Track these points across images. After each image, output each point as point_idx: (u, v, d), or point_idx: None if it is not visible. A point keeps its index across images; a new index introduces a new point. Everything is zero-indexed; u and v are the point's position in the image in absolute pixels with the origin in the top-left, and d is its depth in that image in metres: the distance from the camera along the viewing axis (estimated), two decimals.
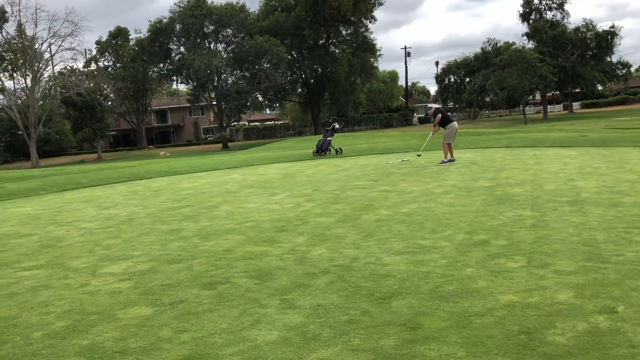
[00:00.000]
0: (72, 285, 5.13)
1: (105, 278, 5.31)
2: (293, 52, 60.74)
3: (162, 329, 3.94)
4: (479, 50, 69.21)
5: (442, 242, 5.93)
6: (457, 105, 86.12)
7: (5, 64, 51.56)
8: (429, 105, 15.50)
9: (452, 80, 77.54)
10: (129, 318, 4.19)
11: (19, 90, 52.77)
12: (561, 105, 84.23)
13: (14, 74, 53.02)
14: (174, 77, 62.02)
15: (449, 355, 3.25)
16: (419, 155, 15.36)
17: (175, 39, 58.79)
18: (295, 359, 3.34)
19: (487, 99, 76.56)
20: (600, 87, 72.05)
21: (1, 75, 51.29)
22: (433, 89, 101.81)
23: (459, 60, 73.87)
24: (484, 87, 61.48)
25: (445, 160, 13.59)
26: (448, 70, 76.04)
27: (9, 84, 52.32)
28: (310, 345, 3.51)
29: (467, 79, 72.57)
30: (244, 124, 79.97)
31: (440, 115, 13.90)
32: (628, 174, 9.89)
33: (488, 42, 67.75)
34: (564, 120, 54.64)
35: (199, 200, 10.24)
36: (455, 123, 14.05)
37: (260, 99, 62.36)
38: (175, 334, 3.82)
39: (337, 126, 20.25)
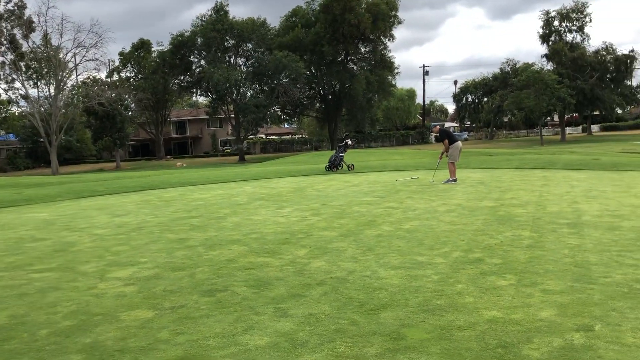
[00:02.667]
0: (80, 288, 5.39)
1: (112, 282, 5.57)
2: (312, 68, 61.42)
3: (161, 331, 4.17)
4: (497, 70, 69.42)
5: (437, 258, 6.10)
6: (474, 125, 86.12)
7: (30, 72, 52.80)
8: (433, 123, 15.84)
9: (470, 99, 77.74)
10: (131, 320, 4.43)
11: (42, 98, 54.03)
12: (580, 127, 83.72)
13: (38, 82, 54.27)
14: (194, 90, 63.03)
15: None
16: (416, 178, 15.63)
17: (196, 52, 59.85)
18: None
19: (505, 119, 76.50)
20: (619, 111, 71.57)
21: (25, 83, 52.48)
22: (451, 107, 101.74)
23: (477, 80, 74.17)
24: (501, 107, 61.51)
25: (450, 178, 13.78)
26: (466, 89, 76.36)
27: (32, 92, 53.55)
28: (297, 351, 3.71)
29: (485, 99, 72.70)
30: (261, 137, 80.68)
31: (447, 137, 14.11)
32: (632, 199, 9.98)
33: (507, 62, 68.00)
34: (581, 142, 54.33)
35: (209, 211, 10.52)
36: (459, 142, 14.27)
37: (278, 113, 63.06)
38: (173, 336, 4.05)
39: (349, 142, 20.51)
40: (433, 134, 14.68)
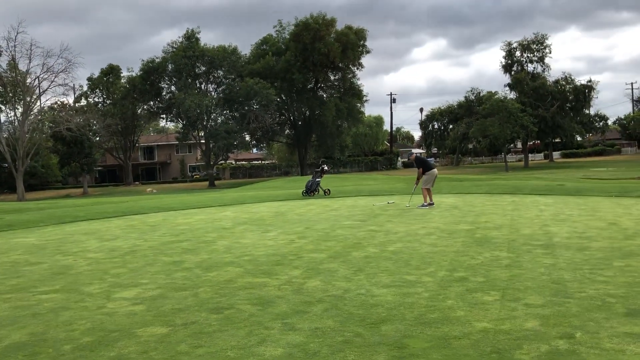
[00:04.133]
0: (90, 308, 5.62)
1: (120, 302, 5.81)
2: (282, 95, 62.20)
3: (179, 344, 4.46)
4: (462, 98, 71.43)
5: (425, 277, 6.53)
6: (440, 151, 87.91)
7: None
8: (412, 150, 16.40)
9: (436, 126, 79.55)
10: (148, 335, 4.70)
11: (7, 123, 53.21)
12: (542, 154, 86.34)
13: (3, 107, 53.47)
14: (163, 115, 62.99)
15: None
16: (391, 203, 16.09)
17: (166, 78, 60.01)
18: None
19: (470, 146, 78.43)
20: (579, 138, 74.31)
21: None
22: (417, 134, 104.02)
23: (442, 107, 76.04)
24: (466, 134, 63.17)
25: (425, 203, 14.32)
26: (432, 117, 78.14)
27: None
28: None
29: (451, 126, 74.49)
30: (231, 163, 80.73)
31: (422, 165, 14.71)
32: (597, 222, 10.64)
33: (471, 91, 70.09)
34: (544, 169, 56.15)
35: (196, 235, 10.77)
36: (435, 170, 14.89)
37: (248, 138, 63.43)
38: (192, 349, 4.34)
39: (325, 168, 21.00)
40: (409, 160, 15.39)
